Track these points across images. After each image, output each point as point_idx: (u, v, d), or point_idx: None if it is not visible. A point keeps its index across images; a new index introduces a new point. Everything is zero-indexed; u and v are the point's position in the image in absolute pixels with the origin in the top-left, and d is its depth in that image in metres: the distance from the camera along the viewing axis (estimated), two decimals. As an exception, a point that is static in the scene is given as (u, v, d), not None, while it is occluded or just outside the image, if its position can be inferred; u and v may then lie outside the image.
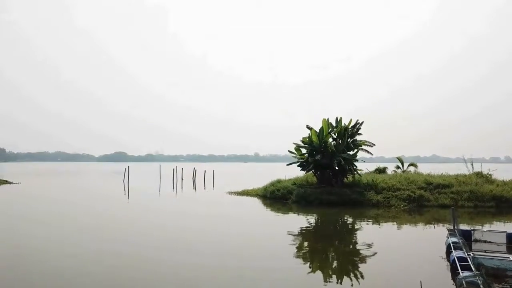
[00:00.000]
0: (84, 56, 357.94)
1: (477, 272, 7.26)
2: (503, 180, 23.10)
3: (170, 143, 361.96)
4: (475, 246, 10.92)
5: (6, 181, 38.95)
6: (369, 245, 12.04)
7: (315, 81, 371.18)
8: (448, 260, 9.16)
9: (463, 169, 25.66)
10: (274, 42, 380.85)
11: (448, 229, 11.46)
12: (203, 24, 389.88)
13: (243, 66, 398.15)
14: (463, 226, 12.43)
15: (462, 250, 8.95)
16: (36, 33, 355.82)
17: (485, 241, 11.35)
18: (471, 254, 8.40)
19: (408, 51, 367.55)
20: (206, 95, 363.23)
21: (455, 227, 11.28)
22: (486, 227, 14.71)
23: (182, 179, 45.13)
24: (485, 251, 9.89)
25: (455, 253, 8.53)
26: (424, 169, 29.24)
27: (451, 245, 9.38)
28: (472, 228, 12.55)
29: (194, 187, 37.06)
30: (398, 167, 29.94)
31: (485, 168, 24.81)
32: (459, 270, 7.40)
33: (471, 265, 7.75)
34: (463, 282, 6.79)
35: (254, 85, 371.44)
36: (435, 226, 15.86)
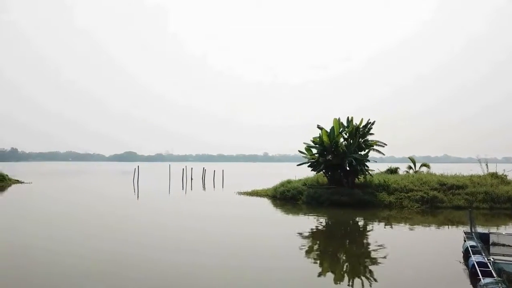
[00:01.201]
0: (84, 56, 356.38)
1: (499, 278, 6.95)
2: (519, 181, 22.54)
3: (177, 143, 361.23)
4: (493, 249, 10.54)
5: (18, 180, 39.42)
6: (381, 247, 11.77)
7: (315, 81, 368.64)
8: (466, 265, 8.85)
9: (475, 169, 25.14)
10: (274, 42, 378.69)
11: (465, 232, 11.09)
12: (203, 24, 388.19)
13: (243, 66, 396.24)
14: (478, 229, 12.04)
15: (482, 254, 8.61)
16: (36, 33, 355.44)
17: (503, 245, 10.96)
18: (491, 259, 8.06)
19: (408, 51, 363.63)
20: (206, 95, 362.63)
21: (473, 230, 10.93)
22: (502, 229, 14.28)
23: (191, 179, 45.15)
24: (503, 255, 9.54)
25: (475, 258, 8.20)
26: (436, 169, 28.74)
27: (469, 249, 9.05)
28: (489, 230, 12.14)
29: (204, 187, 37.00)
30: (410, 168, 29.43)
31: (500, 169, 24.28)
32: (480, 276, 7.10)
33: (492, 270, 7.43)
34: (485, 289, 6.50)
35: (254, 85, 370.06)
36: (450, 228, 15.51)
